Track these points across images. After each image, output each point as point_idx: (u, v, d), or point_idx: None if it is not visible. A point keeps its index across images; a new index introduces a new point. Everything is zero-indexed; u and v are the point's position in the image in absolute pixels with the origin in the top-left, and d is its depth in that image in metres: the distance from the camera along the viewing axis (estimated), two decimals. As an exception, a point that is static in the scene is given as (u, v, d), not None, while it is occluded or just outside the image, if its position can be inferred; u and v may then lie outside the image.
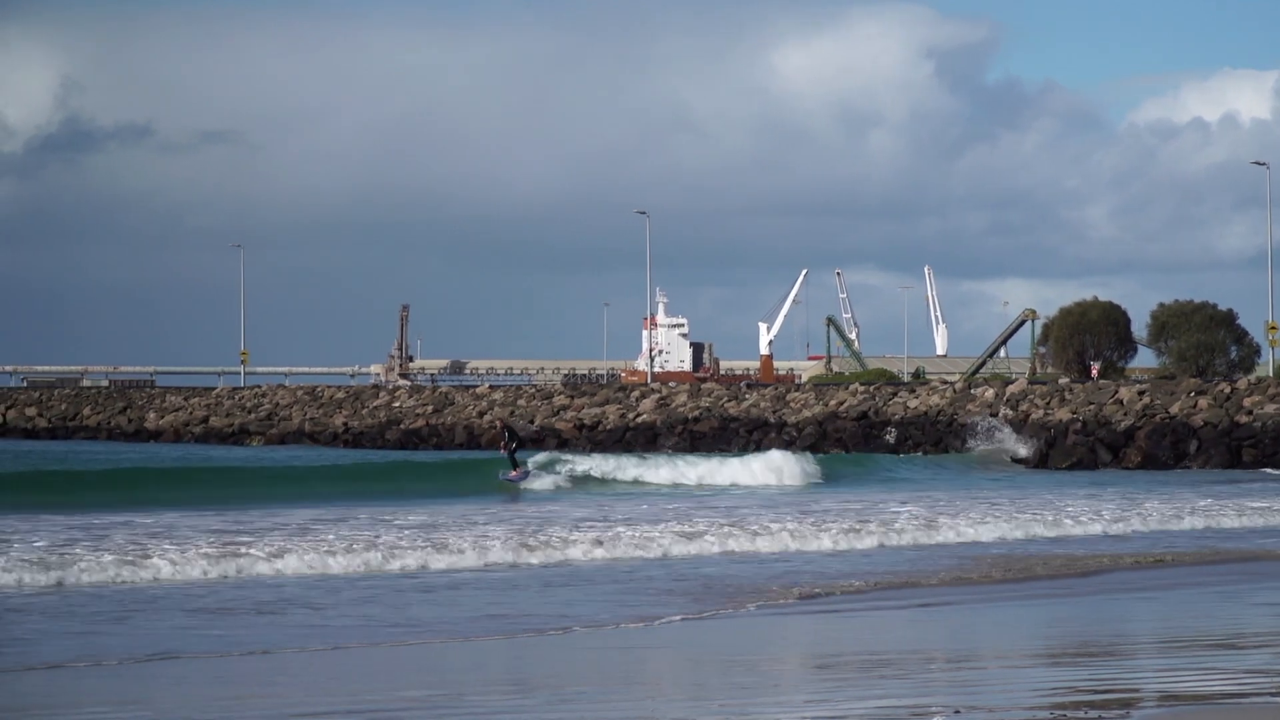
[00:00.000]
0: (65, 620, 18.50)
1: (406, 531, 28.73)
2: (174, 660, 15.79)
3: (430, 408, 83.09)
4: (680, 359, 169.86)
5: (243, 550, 24.69)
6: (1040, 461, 59.23)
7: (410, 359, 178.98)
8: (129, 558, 23.41)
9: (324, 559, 24.37)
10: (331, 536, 27.27)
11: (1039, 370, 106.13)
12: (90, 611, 19.20)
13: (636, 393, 79.89)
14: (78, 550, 24.25)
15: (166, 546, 25.04)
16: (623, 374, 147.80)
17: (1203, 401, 60.16)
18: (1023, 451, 59.93)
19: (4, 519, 30.64)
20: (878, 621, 19.37)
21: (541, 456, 51.50)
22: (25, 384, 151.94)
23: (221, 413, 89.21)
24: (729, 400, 74.93)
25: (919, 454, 62.87)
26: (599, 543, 27.23)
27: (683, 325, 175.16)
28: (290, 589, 21.72)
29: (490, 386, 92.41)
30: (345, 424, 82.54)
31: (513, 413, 76.79)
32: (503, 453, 47.37)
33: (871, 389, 73.62)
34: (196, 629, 17.95)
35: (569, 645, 17.24)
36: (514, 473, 46.55)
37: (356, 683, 14.49)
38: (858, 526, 30.69)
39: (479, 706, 13.27)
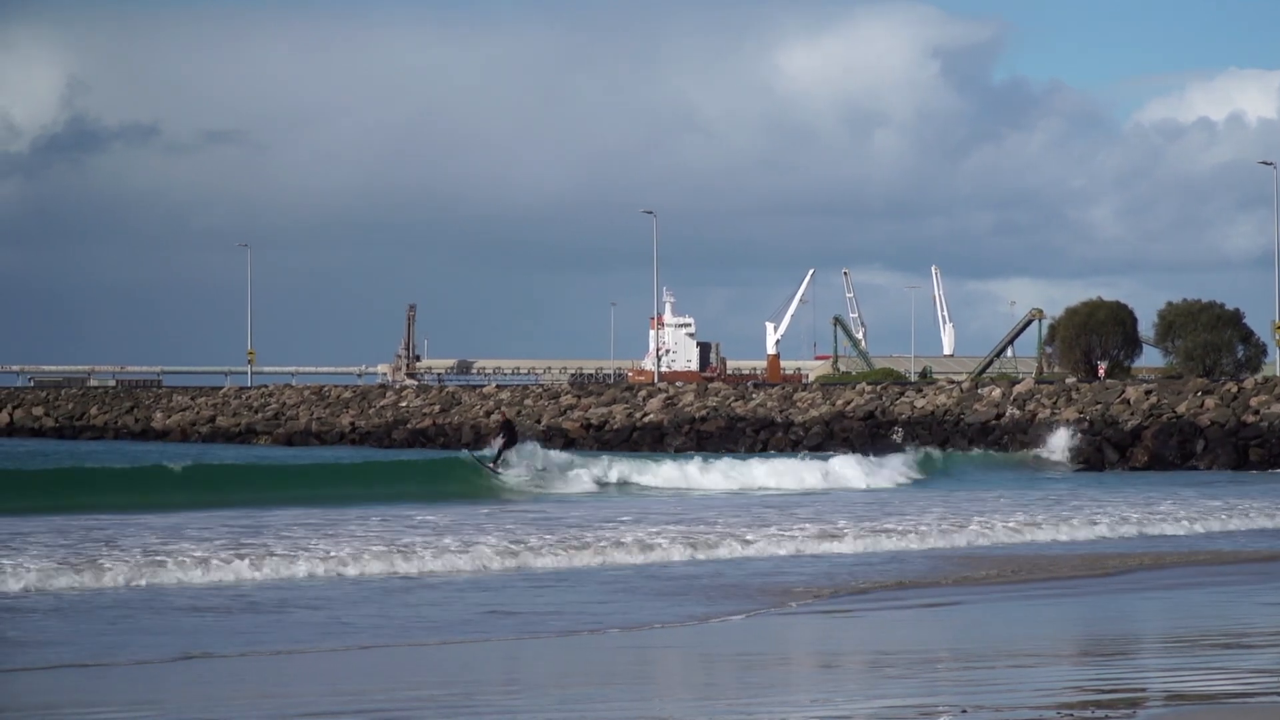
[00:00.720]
0: (85, 621, 18.51)
1: (428, 533, 28.71)
2: (194, 660, 15.81)
3: (437, 407, 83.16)
4: (687, 359, 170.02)
5: (261, 551, 24.67)
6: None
7: (417, 358, 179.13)
8: (146, 559, 23.43)
9: (345, 561, 24.21)
10: (352, 538, 27.28)
11: (1046, 370, 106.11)
12: (107, 613, 19.23)
13: (643, 392, 79.93)
14: (94, 552, 24.30)
15: (182, 547, 25.10)
16: (629, 374, 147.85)
17: (1209, 401, 60.12)
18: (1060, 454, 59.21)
19: (14, 520, 30.64)
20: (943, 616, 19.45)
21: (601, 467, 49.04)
22: (32, 384, 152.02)
23: (228, 412, 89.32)
24: (736, 400, 74.96)
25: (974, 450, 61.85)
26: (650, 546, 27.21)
27: (690, 325, 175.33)
28: (312, 589, 21.73)
29: (497, 386, 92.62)
30: (352, 423, 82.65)
31: (519, 413, 76.80)
32: (494, 446, 46.99)
33: (878, 389, 73.60)
34: (213, 630, 17.96)
35: (593, 646, 17.28)
36: (491, 464, 46.01)
37: (404, 680, 14.53)
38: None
39: (485, 706, 13.31)
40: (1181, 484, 47.37)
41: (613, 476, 48.09)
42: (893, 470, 51.12)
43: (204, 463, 47.54)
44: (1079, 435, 59.78)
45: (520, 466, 46.54)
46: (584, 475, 47.18)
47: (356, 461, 52.62)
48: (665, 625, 18.48)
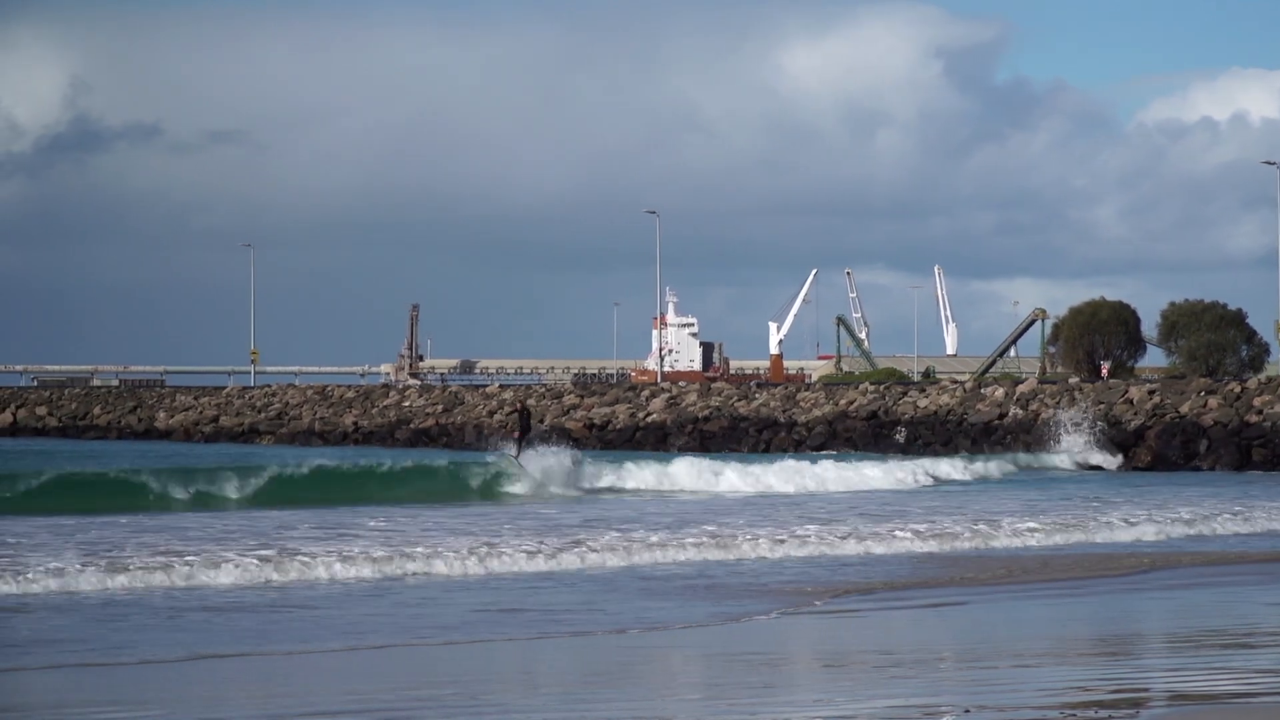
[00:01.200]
0: (92, 621, 18.55)
1: (443, 534, 28.70)
2: (201, 661, 15.83)
3: (440, 407, 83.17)
4: (690, 358, 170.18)
5: (267, 553, 24.65)
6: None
7: (420, 358, 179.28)
8: (153, 559, 23.44)
9: (356, 561, 24.15)
10: (357, 539, 27.27)
11: (1049, 370, 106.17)
12: (112, 611, 19.27)
13: (646, 392, 79.95)
14: (97, 555, 24.32)
15: (187, 548, 25.12)
16: (633, 373, 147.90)
17: (1212, 401, 60.08)
18: (1095, 458, 58.69)
19: (16, 521, 30.65)
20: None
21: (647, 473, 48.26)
22: (35, 384, 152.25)
23: (231, 412, 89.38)
24: (739, 399, 74.95)
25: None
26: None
27: (692, 325, 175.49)
28: (319, 590, 21.73)
29: (500, 386, 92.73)
30: (355, 423, 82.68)
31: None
32: (514, 439, 46.81)
33: (881, 388, 73.56)
34: (220, 630, 17.98)
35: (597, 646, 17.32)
36: (515, 455, 45.67)
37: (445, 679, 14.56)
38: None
39: (488, 706, 13.34)
40: (1185, 484, 47.38)
41: (630, 477, 47.99)
42: (912, 470, 50.91)
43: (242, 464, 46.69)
44: (1091, 434, 59.48)
45: (539, 460, 46.08)
46: (603, 476, 47.14)
47: (375, 464, 52.16)
48: (670, 627, 18.50)
